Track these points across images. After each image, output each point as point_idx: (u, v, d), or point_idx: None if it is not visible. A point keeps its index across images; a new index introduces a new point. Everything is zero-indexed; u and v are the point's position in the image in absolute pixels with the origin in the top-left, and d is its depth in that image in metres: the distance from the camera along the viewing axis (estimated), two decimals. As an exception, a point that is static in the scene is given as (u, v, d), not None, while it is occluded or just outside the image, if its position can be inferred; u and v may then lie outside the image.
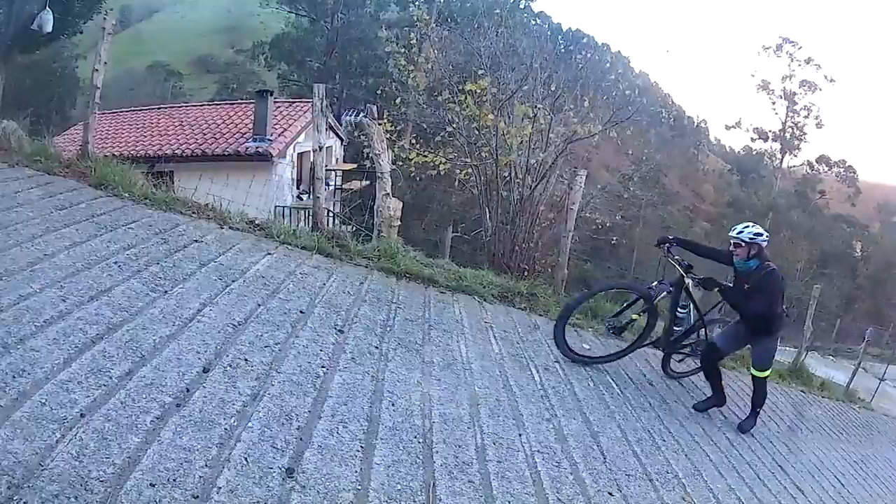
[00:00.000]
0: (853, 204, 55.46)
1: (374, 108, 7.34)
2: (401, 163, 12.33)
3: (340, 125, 24.39)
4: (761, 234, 5.09)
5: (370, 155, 7.90)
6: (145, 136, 19.08)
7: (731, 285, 5.39)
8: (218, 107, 22.60)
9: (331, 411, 3.11)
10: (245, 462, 2.49)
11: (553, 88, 11.58)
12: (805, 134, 53.43)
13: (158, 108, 23.23)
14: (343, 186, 20.77)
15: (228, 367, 3.20)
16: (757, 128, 56.07)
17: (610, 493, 3.45)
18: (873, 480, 6.81)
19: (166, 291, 3.89)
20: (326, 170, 8.43)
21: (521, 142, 10.64)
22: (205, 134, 18.66)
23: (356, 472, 2.71)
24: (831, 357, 22.99)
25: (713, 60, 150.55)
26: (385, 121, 12.23)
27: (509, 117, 11.09)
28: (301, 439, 2.79)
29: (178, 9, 74.96)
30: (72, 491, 2.07)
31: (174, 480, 2.27)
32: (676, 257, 5.47)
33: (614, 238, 16.97)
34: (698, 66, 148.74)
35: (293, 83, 39.25)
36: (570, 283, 7.94)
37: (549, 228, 10.58)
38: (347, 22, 38.13)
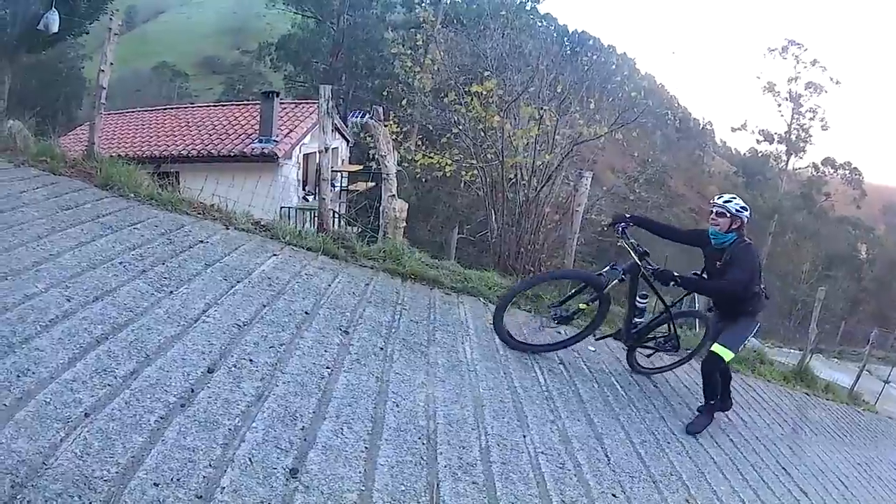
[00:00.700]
0: (858, 206, 55.21)
1: (380, 109, 7.34)
2: (407, 164, 12.36)
3: (346, 126, 24.44)
4: (747, 209, 4.73)
5: (376, 156, 7.89)
6: (151, 137, 19.19)
7: (690, 275, 5.03)
8: (223, 108, 22.72)
9: (335, 412, 3.11)
10: (249, 462, 2.49)
11: (559, 90, 11.66)
12: (810, 136, 53.27)
13: (164, 109, 23.44)
14: (349, 187, 20.79)
15: (233, 368, 3.20)
16: (763, 130, 56.02)
17: (613, 495, 3.44)
18: (877, 483, 6.78)
19: (171, 292, 3.89)
20: (332, 171, 8.43)
21: (527, 143, 10.68)
22: (210, 135, 18.78)
23: (360, 472, 2.71)
24: (836, 359, 22.95)
25: (719, 62, 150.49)
26: (391, 122, 12.26)
27: (515, 119, 11.17)
28: (305, 440, 2.78)
29: (184, 10, 75.54)
30: (75, 490, 2.07)
31: (178, 480, 2.27)
32: (631, 240, 5.07)
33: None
34: (704, 67, 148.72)
35: (299, 84, 39.33)
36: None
37: (555, 230, 10.58)
38: (353, 23, 38.18)
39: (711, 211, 4.80)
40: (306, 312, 4.29)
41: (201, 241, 5.07)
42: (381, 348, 4.13)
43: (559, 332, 5.59)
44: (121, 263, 4.11)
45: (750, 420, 5.92)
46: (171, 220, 5.40)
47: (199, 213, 5.89)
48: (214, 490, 2.29)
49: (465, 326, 5.23)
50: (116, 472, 2.20)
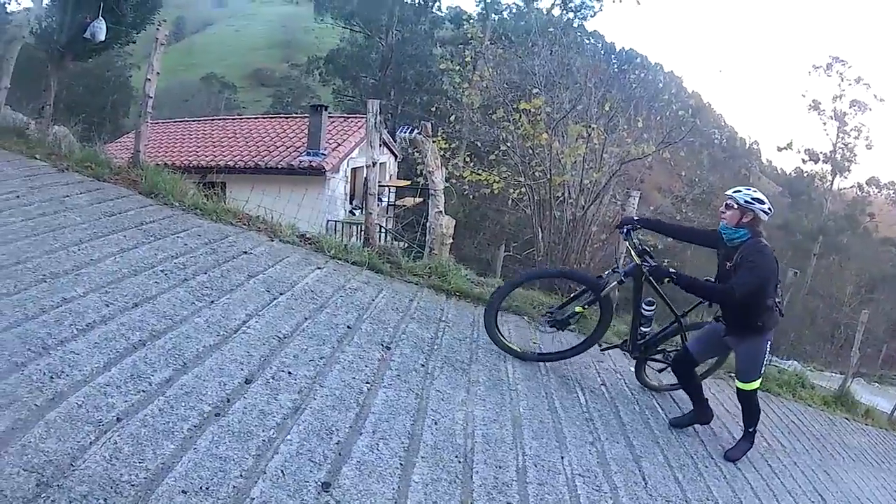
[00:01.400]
0: (903, 227, 53.63)
1: (429, 124, 7.38)
2: (454, 180, 12.43)
3: (395, 141, 24.68)
4: (762, 202, 4.29)
5: (424, 172, 7.96)
6: (198, 147, 19.66)
7: (688, 276, 4.54)
8: (272, 120, 23.12)
9: (372, 427, 3.11)
10: (281, 474, 2.51)
11: (607, 108, 11.72)
12: (855, 155, 51.92)
13: (212, 120, 24.08)
14: (396, 202, 20.91)
15: (271, 380, 3.24)
16: (808, 149, 54.85)
17: (649, 519, 3.37)
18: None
19: (212, 301, 3.96)
20: (379, 186, 8.54)
21: (575, 162, 10.76)
22: (258, 146, 19.10)
23: (393, 489, 2.70)
24: (877, 384, 22.13)
25: (765, 80, 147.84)
26: (439, 138, 12.39)
27: (563, 137, 11.21)
28: (340, 454, 2.79)
29: (233, 22, 77.66)
30: (101, 493, 2.11)
31: (207, 489, 2.30)
32: (634, 241, 4.79)
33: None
34: (750, 85, 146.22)
35: (347, 98, 39.94)
36: (622, 304, 7.77)
37: (602, 249, 10.52)
38: (402, 39, 39.01)
39: (723, 205, 4.47)
40: (348, 327, 4.32)
41: (245, 252, 5.17)
42: (423, 365, 4.13)
43: (560, 342, 5.46)
44: (162, 271, 4.22)
45: (789, 445, 5.73)
46: (216, 231, 5.53)
47: (244, 224, 6.01)
48: (244, 501, 2.31)
49: (508, 345, 5.19)
50: (145, 478, 2.24)
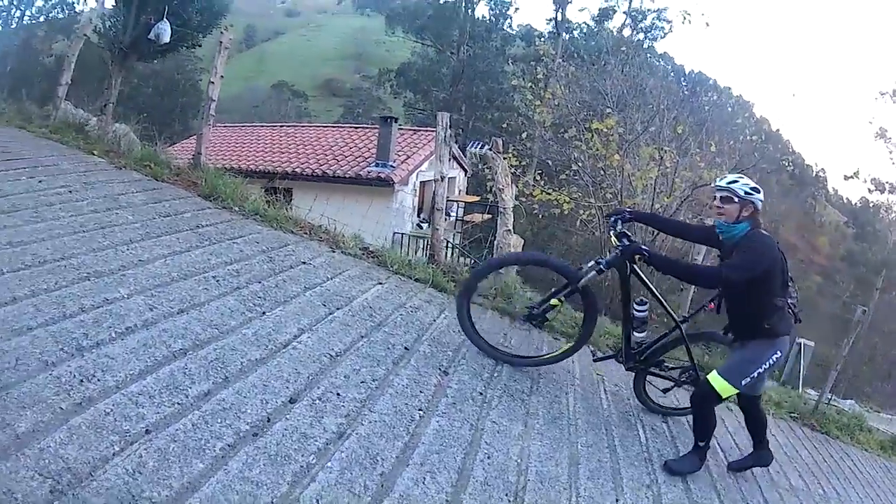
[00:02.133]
0: (970, 262, 51.24)
1: (500, 141, 7.33)
2: (524, 199, 12.37)
3: (465, 156, 24.77)
4: (759, 191, 3.97)
5: (493, 188, 7.89)
6: (265, 152, 20.13)
7: (664, 255, 4.26)
8: (341, 129, 23.49)
9: (420, 459, 2.98)
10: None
11: (679, 131, 11.70)
12: None
13: (280, 126, 24.57)
14: (464, 218, 20.95)
15: (317, 401, 3.14)
16: (874, 178, 53.05)
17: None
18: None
19: (264, 313, 3.92)
20: (448, 200, 8.51)
21: (646, 185, 10.70)
22: (326, 155, 19.41)
23: (435, 528, 2.56)
24: None
25: (832, 105, 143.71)
26: (510, 155, 12.38)
27: (635, 158, 11.21)
28: (382, 486, 2.67)
29: (304, 32, 79.87)
30: (118, 508, 2.04)
31: (233, 515, 2.20)
32: (619, 229, 4.36)
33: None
34: (817, 112, 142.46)
35: (418, 112, 40.51)
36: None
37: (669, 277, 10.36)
38: (474, 54, 39.42)
39: (714, 197, 4.10)
40: (406, 348, 4.22)
41: (304, 263, 5.15)
42: (481, 393, 3.98)
43: (539, 348, 5.25)
44: (214, 277, 4.21)
45: (844, 493, 5.38)
46: (275, 238, 5.54)
47: (306, 233, 6.02)
48: (273, 530, 2.20)
49: (571, 375, 5.02)
50: (167, 496, 2.16)
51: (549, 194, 12.21)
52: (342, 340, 3.94)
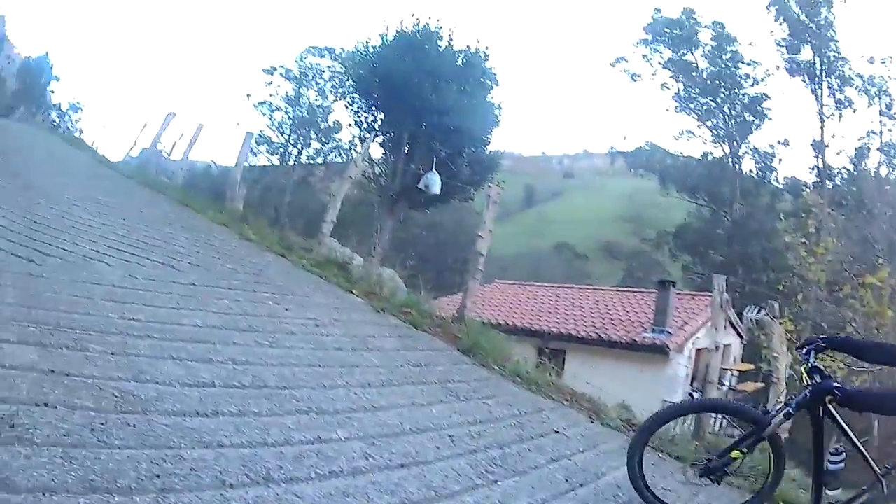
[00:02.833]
0: None
1: (776, 305, 6.80)
2: (798, 367, 11.22)
3: (741, 321, 23.47)
4: None
5: (768, 356, 7.20)
6: (542, 313, 20.33)
7: (863, 389, 3.27)
8: (619, 293, 23.54)
9: None
10: None
11: None
12: None
13: (558, 287, 24.98)
14: (737, 388, 19.65)
15: None
16: None
17: None
18: None
19: (495, 481, 3.54)
20: (721, 369, 7.96)
21: None
22: (602, 318, 19.30)
23: None
24: None
25: None
26: (785, 319, 11.43)
27: None
28: None
29: (581, 193, 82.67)
30: None
31: None
32: (813, 362, 3.68)
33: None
34: None
35: (696, 275, 39.54)
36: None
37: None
38: (746, 213, 38.57)
39: None
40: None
41: (556, 431, 4.76)
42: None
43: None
44: (450, 436, 3.94)
45: None
46: (531, 402, 5.22)
47: (566, 400, 5.64)
48: None
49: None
50: None
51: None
52: (577, 521, 3.41)
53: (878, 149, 38.67)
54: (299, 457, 2.94)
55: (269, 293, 5.85)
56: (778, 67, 38.70)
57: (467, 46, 19.45)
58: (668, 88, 42.32)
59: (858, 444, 3.82)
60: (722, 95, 40.71)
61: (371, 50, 19.90)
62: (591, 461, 4.39)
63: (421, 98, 17.71)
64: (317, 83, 40.88)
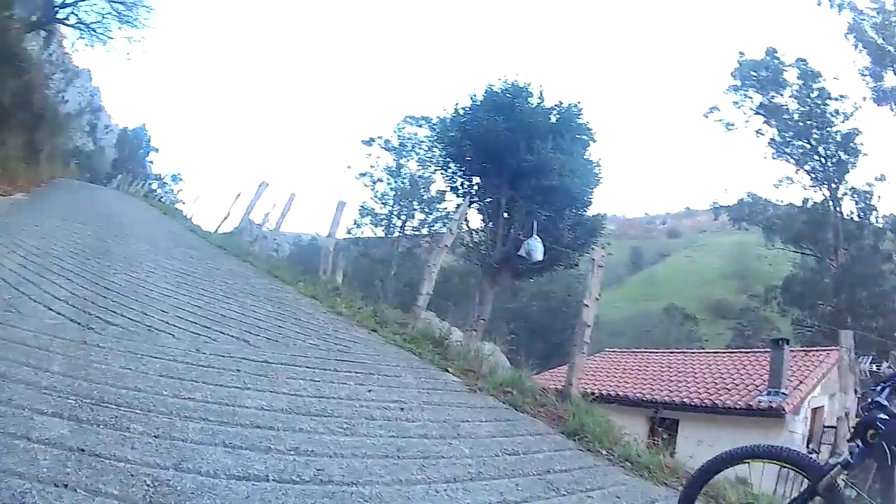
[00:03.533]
0: None
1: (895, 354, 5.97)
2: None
3: (858, 374, 22.22)
4: None
5: None
6: (654, 381, 20.03)
7: None
8: (731, 355, 23.04)
9: None
10: None
11: None
12: None
13: (670, 353, 24.52)
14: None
15: None
16: None
17: None
18: None
19: None
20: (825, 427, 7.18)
21: None
22: (716, 383, 18.83)
23: None
24: None
25: None
26: None
27: None
28: None
29: (687, 253, 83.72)
30: None
31: None
32: (882, 399, 3.12)
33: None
34: None
35: (806, 329, 38.47)
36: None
37: None
38: (851, 257, 37.68)
39: None
40: None
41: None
42: None
43: None
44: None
45: None
46: (641, 492, 4.64)
47: (682, 485, 4.96)
48: None
49: None
50: None
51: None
52: None
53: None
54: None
55: (352, 372, 5.43)
56: (865, 98, 37.80)
57: (559, 101, 19.04)
58: (762, 135, 41.77)
59: None
60: (815, 136, 39.98)
61: (461, 112, 19.72)
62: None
63: (516, 158, 17.31)
64: (416, 153, 41.61)
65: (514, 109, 18.05)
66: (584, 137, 18.92)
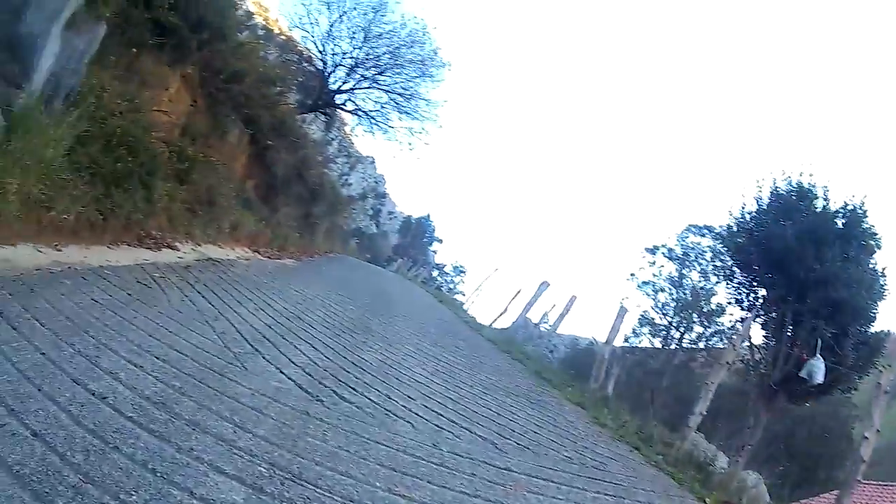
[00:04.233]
0: None
1: None
2: None
3: None
4: None
5: None
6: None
7: None
8: None
9: None
10: None
11: None
12: None
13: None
14: None
15: None
16: None
17: None
18: None
19: None
20: None
21: None
22: None
23: None
24: None
25: None
26: None
27: None
28: None
29: None
30: None
31: None
32: None
33: None
34: None
35: None
36: None
37: None
38: None
39: None
40: None
41: None
42: None
43: None
44: None
45: None
46: None
47: None
48: None
49: None
50: None
51: None
52: None
53: None
54: None
55: (599, 493, 4.91)
56: None
57: (844, 203, 17.29)
58: None
59: None
60: None
61: (748, 217, 18.53)
62: None
63: (804, 268, 15.85)
64: (698, 263, 40.29)
65: (801, 212, 16.69)
66: (871, 243, 17.01)
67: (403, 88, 27.61)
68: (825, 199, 17.22)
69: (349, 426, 4.11)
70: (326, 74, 27.12)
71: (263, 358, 4.94)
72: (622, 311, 11.78)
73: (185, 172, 9.51)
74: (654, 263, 41.73)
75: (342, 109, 29.04)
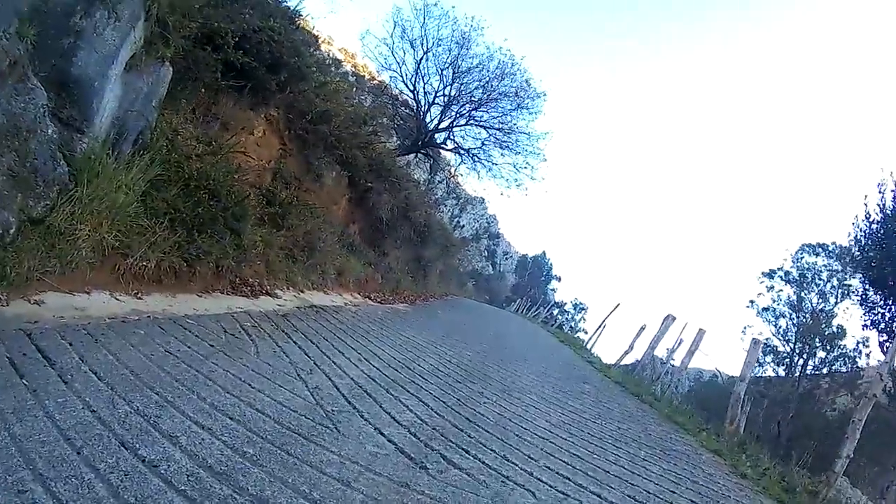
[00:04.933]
0: None
1: None
2: None
3: None
4: None
5: None
6: None
7: None
8: None
9: None
10: None
11: None
12: None
13: None
14: None
15: None
16: None
17: None
18: None
19: None
20: None
21: None
22: None
23: None
24: None
25: None
26: None
27: None
28: None
29: None
30: None
31: None
32: None
33: None
34: None
35: None
36: None
37: None
38: None
39: None
40: None
41: None
42: None
43: None
44: None
45: None
46: None
47: None
48: None
49: None
50: None
51: None
52: None
53: None
54: None
55: None
56: None
57: None
58: None
59: None
60: None
61: (874, 226, 16.85)
62: None
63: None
64: (816, 284, 38.25)
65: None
66: None
67: (501, 123, 27.14)
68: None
69: (455, 500, 3.35)
70: (422, 114, 26.93)
71: (361, 417, 4.25)
72: (755, 343, 10.68)
73: (279, 217, 9.12)
74: (772, 288, 39.73)
75: (442, 148, 28.76)
